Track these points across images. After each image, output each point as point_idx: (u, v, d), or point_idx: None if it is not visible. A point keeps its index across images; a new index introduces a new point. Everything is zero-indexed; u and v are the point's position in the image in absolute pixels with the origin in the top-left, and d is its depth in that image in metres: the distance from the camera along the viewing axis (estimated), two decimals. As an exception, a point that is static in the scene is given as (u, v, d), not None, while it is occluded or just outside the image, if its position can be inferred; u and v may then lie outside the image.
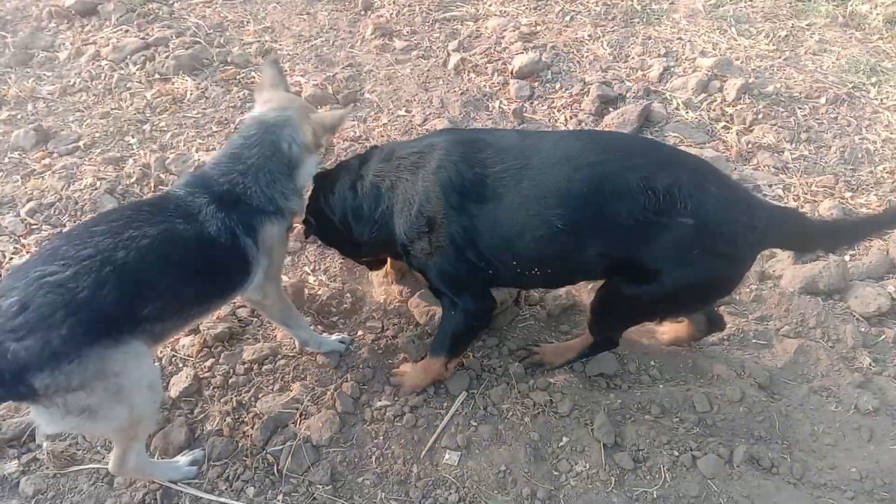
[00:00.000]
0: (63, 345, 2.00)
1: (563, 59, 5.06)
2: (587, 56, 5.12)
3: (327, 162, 4.16)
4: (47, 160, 4.16)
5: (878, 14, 5.40)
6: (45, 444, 2.71)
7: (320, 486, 2.60)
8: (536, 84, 4.83)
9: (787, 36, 5.31)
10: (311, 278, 3.47)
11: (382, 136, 4.37)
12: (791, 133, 4.37)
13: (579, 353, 3.01)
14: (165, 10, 5.60)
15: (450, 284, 2.70)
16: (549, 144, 2.54)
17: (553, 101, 4.68)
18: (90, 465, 2.67)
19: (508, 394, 2.91)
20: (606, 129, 4.31)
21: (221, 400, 2.89)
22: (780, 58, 5.07)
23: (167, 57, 4.97)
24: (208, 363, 3.02)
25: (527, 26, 5.42)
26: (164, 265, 2.27)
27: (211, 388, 2.93)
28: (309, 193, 2.99)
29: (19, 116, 4.55)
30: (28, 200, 3.84)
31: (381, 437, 2.77)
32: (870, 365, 3.05)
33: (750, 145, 4.27)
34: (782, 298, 3.31)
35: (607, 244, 2.44)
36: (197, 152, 4.19)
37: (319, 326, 3.22)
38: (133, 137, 4.36)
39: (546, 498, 2.58)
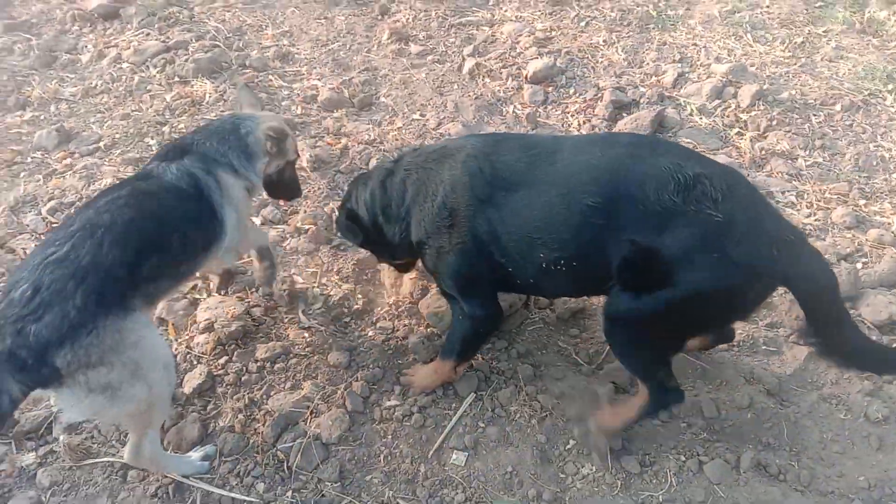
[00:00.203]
0: (79, 315, 2.11)
1: (577, 65, 5.08)
2: (602, 61, 5.14)
3: (341, 164, 4.21)
4: (69, 160, 4.24)
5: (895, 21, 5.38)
6: (61, 438, 2.77)
7: (329, 483, 2.64)
8: (550, 89, 4.85)
9: (803, 42, 5.30)
10: (323, 279, 3.52)
11: (397, 140, 4.41)
12: (805, 140, 4.36)
13: (640, 409, 2.64)
14: (186, 14, 5.70)
15: (461, 287, 2.71)
16: (577, 138, 2.57)
17: (567, 106, 4.70)
18: (105, 459, 2.72)
19: (516, 396, 2.94)
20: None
21: (234, 397, 2.93)
22: (795, 64, 5.06)
23: (187, 60, 5.06)
24: (222, 361, 3.07)
25: (542, 31, 5.45)
26: (144, 216, 2.45)
27: (224, 385, 2.98)
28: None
29: (42, 117, 4.65)
30: (49, 199, 3.92)
31: (390, 437, 2.80)
32: (880, 373, 3.04)
33: (763, 152, 4.26)
34: (793, 305, 3.30)
35: (632, 228, 2.27)
36: (214, 154, 4.26)
37: (331, 327, 3.26)
38: (152, 139, 4.44)
39: (552, 500, 2.60)
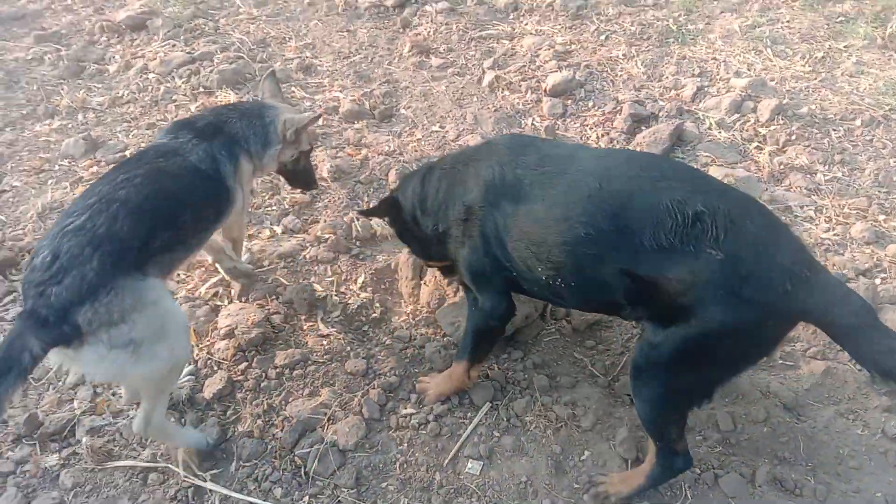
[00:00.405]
0: (97, 276, 2.23)
1: (596, 78, 5.12)
2: (621, 75, 5.17)
3: (361, 175, 4.27)
4: (95, 168, 4.33)
5: (918, 36, 5.36)
6: (84, 440, 2.83)
7: (345, 490, 2.67)
8: (569, 102, 4.89)
9: (823, 57, 5.29)
10: (342, 288, 3.56)
11: (416, 151, 4.46)
12: (825, 155, 4.35)
13: (649, 475, 2.57)
14: (211, 26, 5.81)
15: (474, 278, 2.79)
16: (590, 155, 2.62)
17: (585, 119, 4.73)
18: (126, 462, 2.77)
19: (532, 406, 2.96)
20: (637, 147, 4.34)
21: (253, 402, 2.98)
22: (815, 79, 5.05)
23: (211, 71, 5.16)
24: (242, 367, 3.12)
25: (561, 45, 5.49)
26: (160, 195, 2.55)
27: (243, 390, 3.03)
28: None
29: (70, 126, 4.75)
30: (76, 206, 4.00)
31: (406, 444, 2.83)
32: (899, 389, 3.02)
33: (782, 166, 4.26)
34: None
35: (628, 263, 2.31)
36: (237, 163, 4.33)
37: (349, 335, 3.30)
38: (176, 148, 4.51)
39: (566, 510, 2.61)
